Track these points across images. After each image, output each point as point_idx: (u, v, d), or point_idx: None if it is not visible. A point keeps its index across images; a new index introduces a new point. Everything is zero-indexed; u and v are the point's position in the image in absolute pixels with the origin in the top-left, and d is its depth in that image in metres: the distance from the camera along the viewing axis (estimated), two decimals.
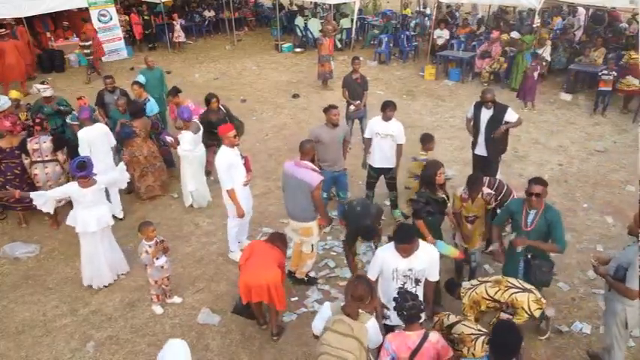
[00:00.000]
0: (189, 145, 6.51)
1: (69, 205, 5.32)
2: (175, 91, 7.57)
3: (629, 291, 3.60)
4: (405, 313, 3.18)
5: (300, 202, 4.94)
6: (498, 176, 6.15)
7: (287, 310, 4.89)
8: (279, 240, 4.65)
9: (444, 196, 4.82)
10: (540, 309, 4.00)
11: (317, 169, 5.00)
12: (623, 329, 3.83)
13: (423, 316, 3.27)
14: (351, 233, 4.90)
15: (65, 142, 6.53)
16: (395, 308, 3.28)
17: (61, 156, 6.32)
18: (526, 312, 3.95)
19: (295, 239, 5.29)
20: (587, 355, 4.41)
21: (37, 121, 6.42)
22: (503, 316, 4.14)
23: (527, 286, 4.09)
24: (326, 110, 5.87)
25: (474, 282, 4.31)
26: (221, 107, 7.15)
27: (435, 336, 3.18)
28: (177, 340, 3.22)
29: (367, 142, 6.23)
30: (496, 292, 4.05)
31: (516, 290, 4.01)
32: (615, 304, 3.81)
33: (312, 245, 5.17)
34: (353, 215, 4.83)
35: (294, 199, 4.97)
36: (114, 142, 6.56)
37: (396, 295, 3.29)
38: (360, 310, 3.25)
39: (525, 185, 4.40)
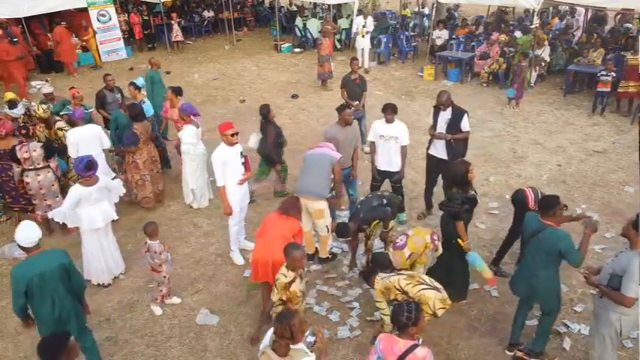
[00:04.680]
0: (191, 138, 6.51)
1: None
2: (179, 91, 7.49)
3: (625, 298, 3.55)
4: (399, 319, 3.16)
5: (316, 177, 5.32)
6: (492, 178, 6.12)
7: None
8: (292, 208, 4.67)
9: (473, 192, 4.86)
10: (444, 309, 4.12)
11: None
12: (616, 338, 3.80)
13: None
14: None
15: (55, 149, 6.30)
16: (391, 317, 3.26)
17: (53, 163, 6.08)
18: (430, 308, 4.06)
19: (307, 227, 5.51)
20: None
21: (23, 132, 6.33)
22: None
23: (437, 285, 4.20)
24: (340, 110, 6.01)
25: (391, 273, 4.40)
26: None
27: (422, 351, 3.08)
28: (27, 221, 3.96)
29: (373, 146, 6.17)
30: (407, 285, 4.18)
31: (426, 287, 4.13)
32: (610, 313, 3.74)
33: (327, 227, 5.47)
34: (352, 210, 5.34)
35: (311, 174, 5.35)
36: (107, 145, 6.46)
37: (394, 307, 3.28)
38: (294, 346, 3.02)
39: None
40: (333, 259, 5.77)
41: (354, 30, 13.72)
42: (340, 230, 5.18)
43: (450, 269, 4.87)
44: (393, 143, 5.97)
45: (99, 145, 6.35)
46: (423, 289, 4.11)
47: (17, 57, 11.09)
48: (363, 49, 13.19)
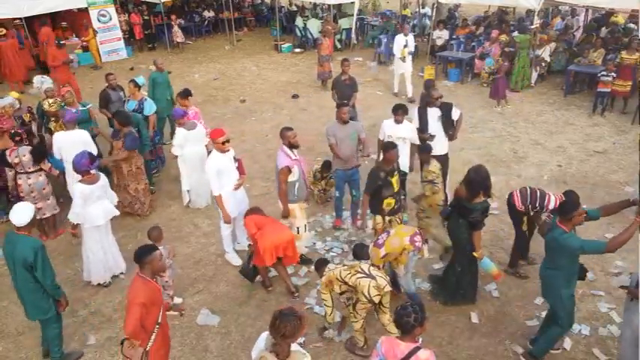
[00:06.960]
0: (178, 140, 6.55)
1: (68, 203, 5.34)
2: (186, 93, 7.39)
3: None
4: (406, 321, 3.05)
5: (276, 182, 5.48)
6: (493, 179, 6.09)
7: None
8: (259, 210, 5.34)
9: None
10: (379, 295, 4.18)
11: (291, 155, 5.30)
12: None
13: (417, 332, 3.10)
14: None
15: (45, 152, 6.13)
16: (396, 319, 3.16)
17: (45, 165, 5.99)
18: (365, 296, 4.15)
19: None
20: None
21: (20, 131, 6.13)
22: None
23: (375, 273, 4.24)
24: (337, 107, 6.11)
25: (339, 264, 4.51)
26: None
27: (425, 354, 3.02)
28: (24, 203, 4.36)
29: (380, 144, 6.16)
30: (347, 275, 4.26)
31: (362, 275, 4.21)
32: None
33: (298, 228, 5.51)
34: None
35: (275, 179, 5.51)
36: (94, 152, 6.15)
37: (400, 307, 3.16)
38: (294, 348, 2.94)
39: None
40: (301, 263, 5.66)
41: (395, 52, 10.95)
42: (357, 251, 4.81)
43: (461, 272, 4.89)
44: (401, 143, 5.95)
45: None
46: (359, 277, 4.21)
47: (63, 62, 10.86)
48: (403, 73, 10.93)
